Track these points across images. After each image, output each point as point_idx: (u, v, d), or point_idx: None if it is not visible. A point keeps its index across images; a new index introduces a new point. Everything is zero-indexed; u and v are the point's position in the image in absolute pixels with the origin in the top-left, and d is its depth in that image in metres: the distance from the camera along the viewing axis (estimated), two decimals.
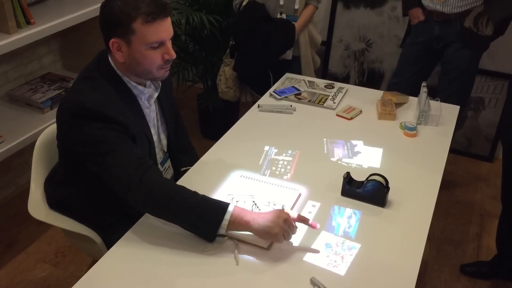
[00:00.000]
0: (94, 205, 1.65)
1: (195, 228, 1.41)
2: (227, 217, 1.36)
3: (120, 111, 1.47)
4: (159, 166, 1.75)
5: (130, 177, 1.39)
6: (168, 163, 1.83)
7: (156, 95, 1.63)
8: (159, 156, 1.74)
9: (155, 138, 1.68)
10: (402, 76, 2.82)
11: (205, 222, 1.38)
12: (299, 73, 2.70)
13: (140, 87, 1.56)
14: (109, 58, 1.53)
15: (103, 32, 1.48)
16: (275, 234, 1.35)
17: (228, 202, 1.40)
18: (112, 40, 1.45)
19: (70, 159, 1.59)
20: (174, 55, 1.50)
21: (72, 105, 1.45)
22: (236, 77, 2.83)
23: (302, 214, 1.52)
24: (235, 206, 1.39)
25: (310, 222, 1.41)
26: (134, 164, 1.41)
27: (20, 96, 2.59)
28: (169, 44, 1.49)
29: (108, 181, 1.44)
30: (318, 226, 1.42)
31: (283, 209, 1.42)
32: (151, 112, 1.65)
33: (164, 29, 1.45)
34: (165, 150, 1.78)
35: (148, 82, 1.60)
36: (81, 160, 1.48)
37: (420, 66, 2.78)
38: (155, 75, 1.52)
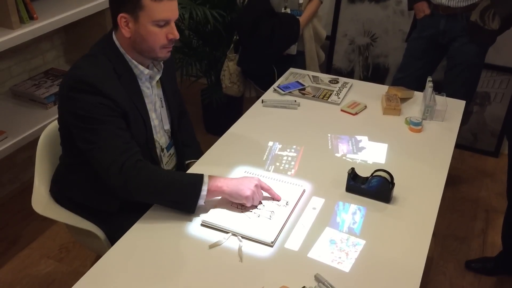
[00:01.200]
0: (98, 191, 1.65)
1: (176, 204, 1.49)
2: (204, 187, 1.45)
3: (115, 87, 1.51)
4: (165, 150, 1.77)
5: (112, 162, 1.46)
6: (173, 150, 1.84)
7: (158, 77, 1.66)
8: (164, 140, 1.76)
9: (156, 122, 1.70)
10: (407, 71, 2.80)
11: (186, 197, 1.47)
12: (304, 68, 2.69)
13: (141, 67, 1.59)
14: (114, 36, 1.57)
15: (112, 7, 1.54)
16: (246, 197, 1.46)
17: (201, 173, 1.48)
18: (121, 15, 1.50)
19: (70, 143, 1.59)
20: (177, 36, 1.55)
21: (70, 79, 1.51)
22: (240, 72, 2.82)
23: (306, 210, 1.52)
24: (209, 175, 1.48)
25: (273, 193, 1.53)
26: (119, 149, 1.47)
27: (24, 92, 2.58)
28: (173, 25, 1.54)
29: (91, 162, 1.50)
30: (280, 198, 1.53)
31: (254, 177, 1.53)
32: (153, 95, 1.67)
33: (172, 8, 1.51)
34: (169, 135, 1.79)
35: (150, 64, 1.64)
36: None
37: (425, 61, 2.76)
38: (157, 54, 1.56)
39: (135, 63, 1.58)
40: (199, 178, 1.47)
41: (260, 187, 1.51)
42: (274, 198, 1.54)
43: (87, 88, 1.46)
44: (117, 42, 1.56)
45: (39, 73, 2.77)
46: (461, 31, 2.55)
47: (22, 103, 2.57)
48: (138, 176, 1.46)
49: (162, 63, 1.68)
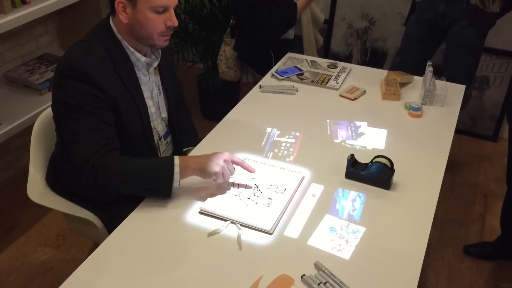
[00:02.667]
0: None
1: (151, 191, 1.48)
2: (176, 170, 1.44)
3: (107, 75, 1.48)
4: (162, 139, 1.75)
5: (87, 158, 1.43)
6: (170, 139, 1.82)
7: (155, 64, 1.64)
8: (161, 128, 1.74)
9: (153, 110, 1.67)
10: (405, 55, 2.77)
11: (159, 183, 1.45)
12: (301, 52, 2.65)
13: (138, 54, 1.56)
14: (111, 22, 1.53)
15: None
16: (216, 173, 1.44)
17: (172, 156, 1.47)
18: (118, 0, 1.46)
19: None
20: (176, 23, 1.52)
21: (61, 66, 1.48)
22: (237, 57, 2.78)
23: (305, 197, 1.50)
24: (178, 156, 1.46)
25: (246, 165, 1.51)
26: (96, 145, 1.45)
27: (17, 78, 2.55)
28: (172, 12, 1.51)
29: (71, 156, 1.47)
30: (254, 170, 1.52)
31: (224, 152, 1.50)
32: (150, 82, 1.64)
33: None
34: (166, 123, 1.77)
35: (148, 51, 1.61)
36: None
37: (424, 44, 2.72)
38: (155, 41, 1.53)
39: (132, 50, 1.55)
40: (170, 161, 1.45)
41: (231, 161, 1.49)
42: (248, 170, 1.52)
43: (77, 76, 1.44)
44: (114, 28, 1.53)
45: (33, 58, 2.73)
46: (460, 14, 2.52)
47: (16, 90, 2.53)
48: (106, 170, 1.43)
49: (160, 50, 1.64)
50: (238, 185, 1.52)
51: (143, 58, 1.57)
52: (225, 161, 1.46)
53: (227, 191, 1.50)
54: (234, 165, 1.51)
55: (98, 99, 1.45)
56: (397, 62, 2.80)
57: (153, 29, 1.49)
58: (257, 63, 2.74)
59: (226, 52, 2.77)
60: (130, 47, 1.54)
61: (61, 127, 1.51)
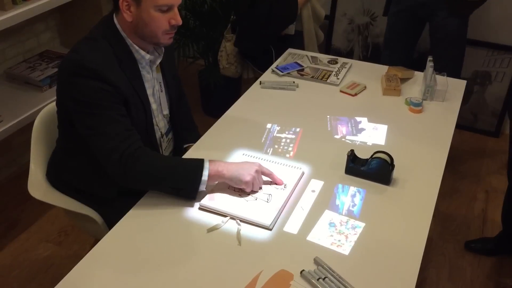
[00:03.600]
0: (93, 177, 1.63)
1: (177, 190, 1.46)
2: (205, 172, 1.43)
3: (115, 72, 1.48)
4: (164, 136, 1.75)
5: (113, 150, 1.43)
6: (171, 135, 1.82)
7: (158, 61, 1.64)
8: (162, 124, 1.74)
9: (154, 106, 1.67)
10: (392, 47, 2.81)
11: (186, 183, 1.44)
12: (302, 48, 2.64)
13: (142, 52, 1.56)
14: (115, 19, 1.53)
15: None
16: (246, 182, 1.44)
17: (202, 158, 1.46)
18: None
19: (69, 127, 1.57)
20: (180, 22, 1.52)
21: (69, 64, 1.48)
22: (238, 53, 2.78)
23: (305, 192, 1.50)
24: (209, 160, 1.45)
25: (275, 178, 1.51)
26: (120, 136, 1.44)
27: (18, 75, 2.55)
28: (176, 10, 1.51)
29: (93, 148, 1.47)
30: (283, 183, 1.52)
31: (255, 162, 1.51)
32: (153, 79, 1.65)
33: None
34: (168, 120, 1.77)
35: (151, 49, 1.61)
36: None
37: (407, 35, 2.76)
38: (160, 39, 1.53)
39: (136, 47, 1.54)
40: (199, 163, 1.44)
41: (261, 172, 1.49)
42: (276, 182, 1.52)
43: (88, 74, 1.43)
44: (118, 25, 1.52)
45: (34, 55, 2.73)
46: (440, 3, 2.51)
47: (17, 86, 2.53)
48: (137, 164, 1.43)
49: (163, 47, 1.64)
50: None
51: (147, 56, 1.57)
52: (256, 171, 1.46)
53: (227, 187, 1.50)
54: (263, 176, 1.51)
55: (112, 94, 1.46)
56: (386, 55, 2.83)
57: (157, 27, 1.49)
58: (257, 59, 2.74)
59: (227, 48, 2.76)
60: (135, 45, 1.54)
61: (77, 123, 1.49)
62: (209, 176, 1.43)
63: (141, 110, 1.58)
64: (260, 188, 1.49)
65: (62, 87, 1.54)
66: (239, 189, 1.49)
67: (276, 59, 2.33)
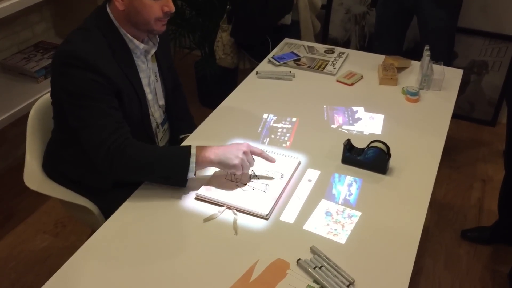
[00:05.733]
0: (91, 166, 1.62)
1: (166, 179, 1.46)
2: (193, 159, 1.42)
3: (108, 63, 1.47)
4: (160, 126, 1.74)
5: (101, 143, 1.42)
6: (167, 125, 1.81)
7: (153, 50, 1.63)
8: (158, 115, 1.73)
9: (150, 96, 1.66)
10: (382, 37, 2.82)
11: (175, 171, 1.43)
12: (299, 38, 2.63)
13: (136, 42, 1.55)
14: (108, 9, 1.52)
15: None
16: (234, 165, 1.42)
17: (188, 145, 1.45)
18: None
19: (64, 118, 1.57)
20: (173, 8, 1.51)
21: (62, 54, 1.46)
22: (234, 43, 2.76)
23: (302, 182, 1.50)
24: (196, 146, 1.44)
25: (266, 155, 1.48)
26: (109, 129, 1.43)
27: (13, 66, 2.54)
28: None
29: (82, 141, 1.47)
30: (275, 160, 1.50)
31: (243, 143, 1.48)
32: (148, 69, 1.64)
33: None
34: (164, 110, 1.77)
35: (145, 39, 1.59)
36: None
37: (396, 26, 2.76)
38: (153, 27, 1.52)
39: (130, 37, 1.53)
40: (186, 150, 1.43)
41: (251, 152, 1.46)
42: (268, 160, 1.50)
43: (79, 64, 1.42)
44: (111, 15, 1.51)
45: (29, 46, 2.71)
46: None
47: (12, 77, 2.52)
48: (124, 156, 1.43)
49: (157, 37, 1.63)
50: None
51: (142, 45, 1.56)
52: (244, 152, 1.43)
53: (224, 177, 1.50)
54: (253, 156, 1.48)
55: (103, 86, 1.44)
56: (376, 46, 2.83)
57: (149, 15, 1.48)
58: (254, 49, 2.73)
59: (223, 38, 2.75)
60: (128, 34, 1.53)
61: (68, 114, 1.49)
62: (197, 162, 1.42)
63: (136, 101, 1.58)
64: (251, 167, 1.47)
65: (55, 78, 1.53)
66: (236, 178, 1.49)
67: (272, 49, 2.31)
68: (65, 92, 1.46)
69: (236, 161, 1.42)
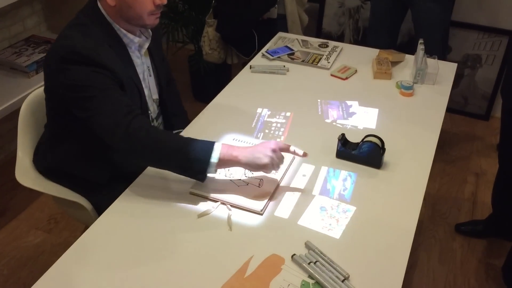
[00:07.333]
0: (85, 162, 1.61)
1: (185, 170, 1.41)
2: (215, 154, 1.36)
3: (110, 57, 1.45)
4: (154, 121, 1.74)
5: (117, 124, 1.38)
6: (161, 120, 1.80)
7: (147, 44, 1.61)
8: (153, 109, 1.72)
9: (146, 91, 1.65)
10: (377, 32, 2.81)
11: (195, 163, 1.37)
12: (286, 32, 2.61)
13: (130, 36, 1.53)
14: (99, 4, 1.50)
15: None
16: (264, 165, 1.37)
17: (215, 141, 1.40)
18: None
19: (59, 113, 1.55)
20: (165, 0, 1.48)
21: (61, 50, 1.42)
22: (220, 38, 2.73)
23: (296, 177, 1.49)
24: (223, 143, 1.39)
25: (297, 151, 1.43)
26: (122, 111, 1.39)
27: (4, 60, 2.51)
28: None
29: (95, 128, 1.42)
30: (307, 154, 1.45)
31: (271, 141, 1.42)
32: (142, 64, 1.62)
33: None
34: (158, 105, 1.75)
35: (138, 32, 1.58)
36: (70, 112, 1.46)
37: (391, 20, 2.75)
38: (145, 21, 1.50)
39: (124, 31, 1.52)
40: (210, 144, 1.38)
41: (279, 149, 1.40)
42: (297, 155, 1.44)
43: (81, 59, 1.39)
44: (103, 11, 1.49)
45: (20, 40, 2.68)
46: None
47: (3, 72, 2.49)
48: (147, 138, 1.37)
49: (150, 31, 1.62)
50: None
51: (136, 39, 1.55)
52: (273, 150, 1.37)
53: (218, 172, 1.49)
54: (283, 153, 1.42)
55: (107, 77, 1.42)
56: (369, 40, 2.83)
57: (141, 9, 1.46)
58: (240, 43, 2.69)
59: (209, 33, 2.71)
60: (122, 29, 1.51)
61: (73, 108, 1.45)
62: (221, 160, 1.36)
63: (136, 95, 1.56)
64: (282, 164, 1.42)
65: (52, 74, 1.50)
66: (230, 174, 1.48)
67: (259, 44, 2.29)
68: (66, 87, 1.42)
69: (266, 160, 1.36)
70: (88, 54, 1.39)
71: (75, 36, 1.44)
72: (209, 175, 1.43)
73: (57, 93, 1.49)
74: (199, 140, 1.40)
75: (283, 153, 1.42)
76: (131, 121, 1.38)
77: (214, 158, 1.36)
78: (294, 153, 1.44)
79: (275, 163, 1.39)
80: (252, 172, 1.49)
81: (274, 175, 1.48)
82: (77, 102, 1.43)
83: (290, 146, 1.43)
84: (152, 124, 1.71)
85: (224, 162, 1.38)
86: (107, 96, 1.40)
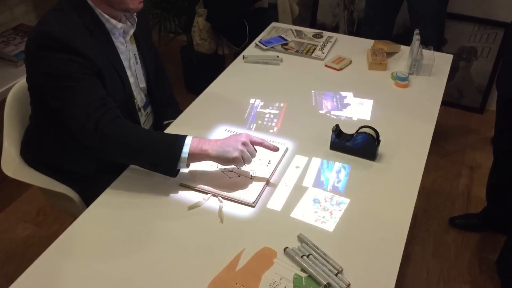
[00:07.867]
0: (72, 154, 1.57)
1: (155, 166, 1.37)
2: (185, 150, 1.33)
3: (86, 44, 1.40)
4: (142, 110, 1.69)
5: (87, 119, 1.35)
6: (150, 109, 1.76)
7: (132, 31, 1.57)
8: (140, 98, 1.68)
9: (132, 79, 1.61)
10: (372, 23, 2.78)
11: (164, 159, 1.34)
12: (277, 22, 2.58)
13: (113, 21, 1.49)
14: None
15: None
16: (234, 159, 1.33)
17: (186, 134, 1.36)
18: None
19: (41, 103, 1.50)
20: None
21: (37, 36, 1.39)
22: (210, 28, 2.68)
23: (289, 169, 1.46)
24: (193, 137, 1.35)
25: (268, 144, 1.38)
26: (94, 105, 1.36)
27: None
28: None
29: (66, 121, 1.39)
30: (278, 149, 1.40)
31: (241, 133, 1.38)
32: (127, 51, 1.58)
33: None
34: (145, 93, 1.71)
35: (123, 18, 1.54)
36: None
37: (386, 11, 2.73)
38: (129, 5, 1.45)
39: (107, 17, 1.47)
40: (180, 139, 1.34)
41: (251, 142, 1.36)
42: (270, 149, 1.39)
43: (56, 45, 1.35)
44: None
45: (8, 29, 2.63)
46: None
47: None
48: (115, 134, 1.35)
49: (135, 16, 1.57)
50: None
51: (119, 25, 1.50)
52: (243, 143, 1.33)
53: (209, 163, 1.45)
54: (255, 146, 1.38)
55: (83, 66, 1.38)
56: (364, 31, 2.80)
57: None
58: (231, 34, 2.65)
59: (199, 23, 2.67)
60: (105, 14, 1.46)
61: (48, 97, 1.41)
62: (191, 154, 1.33)
63: (118, 83, 1.52)
64: (254, 158, 1.37)
65: (30, 61, 1.46)
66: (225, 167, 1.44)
67: (250, 34, 2.25)
68: (43, 75, 1.39)
69: (235, 154, 1.32)
70: (64, 40, 1.35)
71: (52, 21, 1.40)
72: (182, 169, 1.39)
73: (36, 81, 1.46)
74: (169, 134, 1.38)
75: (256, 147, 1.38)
76: (101, 116, 1.34)
77: (185, 153, 1.33)
78: (267, 147, 1.39)
79: (245, 157, 1.34)
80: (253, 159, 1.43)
81: (267, 167, 1.45)
82: (52, 91, 1.40)
83: (263, 140, 1.39)
84: (140, 113, 1.67)
85: (195, 157, 1.34)
86: (81, 88, 1.36)
